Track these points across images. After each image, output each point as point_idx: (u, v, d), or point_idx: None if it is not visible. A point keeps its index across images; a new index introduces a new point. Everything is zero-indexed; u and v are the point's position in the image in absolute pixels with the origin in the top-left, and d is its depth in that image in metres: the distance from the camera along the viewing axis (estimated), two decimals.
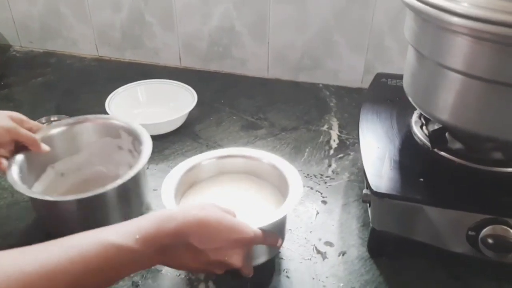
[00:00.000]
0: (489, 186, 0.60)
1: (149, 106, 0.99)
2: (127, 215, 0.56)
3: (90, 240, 0.44)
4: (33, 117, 0.89)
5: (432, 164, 0.64)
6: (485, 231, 0.55)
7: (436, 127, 0.68)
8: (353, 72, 1.09)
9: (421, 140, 0.68)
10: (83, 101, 1.05)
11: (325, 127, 0.96)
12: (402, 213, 0.59)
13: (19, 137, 0.65)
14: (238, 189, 0.68)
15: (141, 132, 0.73)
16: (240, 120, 0.98)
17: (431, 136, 0.65)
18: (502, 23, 0.47)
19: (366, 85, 0.88)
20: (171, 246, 0.47)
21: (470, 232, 0.56)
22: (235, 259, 0.50)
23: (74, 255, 0.42)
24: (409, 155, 0.65)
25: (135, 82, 1.00)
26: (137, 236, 0.45)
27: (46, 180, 0.71)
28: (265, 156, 0.69)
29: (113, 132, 0.75)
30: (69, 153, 0.75)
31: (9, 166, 0.64)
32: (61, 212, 0.64)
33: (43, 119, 0.90)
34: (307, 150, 0.88)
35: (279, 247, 0.61)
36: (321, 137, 0.92)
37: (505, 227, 0.55)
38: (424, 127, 0.69)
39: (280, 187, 0.66)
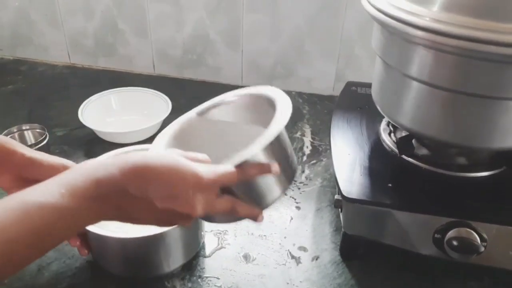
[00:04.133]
0: (454, 190, 0.63)
1: (123, 114, 0.99)
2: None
3: (7, 204, 0.39)
4: (4, 126, 0.89)
5: (400, 170, 0.67)
6: (450, 233, 0.58)
7: (403, 134, 0.71)
8: (325, 80, 1.11)
9: (389, 147, 0.70)
10: (56, 109, 1.04)
11: (298, 134, 0.97)
12: (372, 218, 0.61)
13: None
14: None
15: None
16: None
17: (399, 143, 0.68)
18: (461, 37, 0.50)
19: (337, 92, 0.91)
20: (105, 197, 0.41)
21: (436, 235, 0.59)
22: (187, 207, 0.43)
23: None
24: (378, 161, 0.68)
25: (109, 90, 1.00)
26: (63, 191, 0.40)
27: None
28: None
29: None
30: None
31: None
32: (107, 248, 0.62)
33: (15, 128, 0.89)
34: None
35: (289, 176, 0.52)
36: (295, 143, 0.94)
37: (469, 229, 0.57)
38: (392, 134, 0.72)
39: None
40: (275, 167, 0.47)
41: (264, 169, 0.47)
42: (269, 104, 0.54)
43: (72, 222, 0.41)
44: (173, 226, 0.57)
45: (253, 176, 0.47)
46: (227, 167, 0.45)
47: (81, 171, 0.42)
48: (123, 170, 0.42)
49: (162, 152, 0.45)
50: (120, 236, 0.59)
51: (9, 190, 0.55)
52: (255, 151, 0.46)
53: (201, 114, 0.60)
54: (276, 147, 0.49)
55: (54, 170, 0.54)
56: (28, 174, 0.55)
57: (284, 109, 0.50)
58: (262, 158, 0.47)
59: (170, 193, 0.43)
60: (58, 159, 0.56)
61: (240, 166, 0.45)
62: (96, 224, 0.60)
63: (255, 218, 0.49)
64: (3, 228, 0.37)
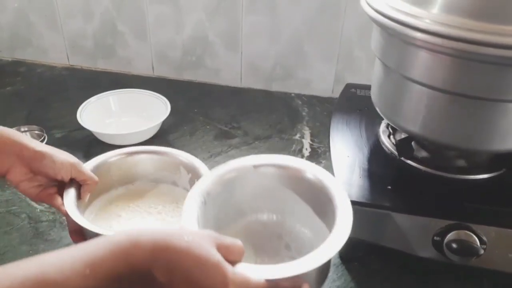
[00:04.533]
0: (453, 192, 0.63)
1: (122, 116, 0.99)
2: None
3: (30, 282, 0.35)
4: None
5: (399, 172, 0.67)
6: (449, 236, 0.57)
7: (402, 136, 0.71)
8: (324, 82, 1.11)
9: (388, 149, 0.70)
10: (54, 110, 1.04)
11: (297, 136, 0.97)
12: (371, 220, 0.61)
13: (79, 175, 0.59)
14: None
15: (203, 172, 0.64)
16: (214, 129, 0.99)
17: (398, 145, 0.68)
18: (460, 39, 0.50)
19: (336, 94, 0.91)
20: (129, 277, 0.38)
21: (435, 238, 0.59)
22: None
23: None
24: (378, 164, 0.68)
25: (108, 92, 1.00)
26: (87, 271, 0.37)
27: (98, 206, 0.65)
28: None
29: (172, 167, 0.68)
30: (123, 183, 0.69)
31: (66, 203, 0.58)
32: None
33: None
34: None
35: None
36: (294, 145, 0.94)
37: (468, 232, 0.57)
38: (391, 136, 0.72)
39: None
40: (306, 286, 0.43)
41: (295, 286, 0.43)
42: (329, 199, 0.52)
43: None
44: None
45: None
46: (258, 280, 0.41)
47: (113, 248, 0.38)
48: (156, 251, 0.39)
49: (197, 237, 0.40)
50: None
51: (18, 184, 0.57)
52: (294, 272, 0.42)
53: (257, 167, 0.58)
54: (317, 271, 0.45)
55: (64, 169, 0.57)
56: (38, 168, 0.57)
57: (343, 228, 0.47)
58: (297, 278, 0.43)
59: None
60: (68, 157, 0.59)
61: (272, 282, 0.41)
62: (99, 223, 0.60)
63: None
64: None
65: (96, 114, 0.95)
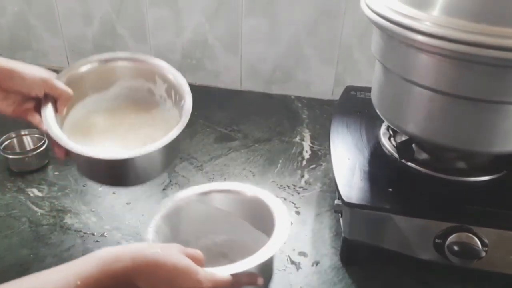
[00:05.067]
0: (454, 194, 0.63)
1: None
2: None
3: None
4: (3, 131, 0.89)
5: (400, 174, 0.67)
6: (451, 238, 0.57)
7: (403, 138, 0.70)
8: (324, 84, 1.11)
9: (389, 151, 0.70)
10: None
11: (297, 139, 0.97)
12: (372, 223, 0.61)
13: (52, 90, 0.59)
14: None
15: (180, 83, 0.64)
16: (214, 132, 0.99)
17: (399, 147, 0.68)
18: (461, 41, 0.50)
19: (336, 97, 0.91)
20: None
21: (437, 240, 0.59)
22: None
23: None
24: (378, 166, 0.68)
25: None
26: (78, 282, 0.42)
27: (74, 117, 0.64)
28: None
29: (148, 75, 0.67)
30: (98, 91, 0.67)
31: (44, 120, 0.58)
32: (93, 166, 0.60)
33: (13, 133, 0.89)
34: (280, 161, 0.90)
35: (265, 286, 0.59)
36: (294, 148, 0.94)
37: (469, 234, 0.57)
38: (392, 139, 0.72)
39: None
40: (261, 280, 0.55)
41: (252, 280, 0.54)
42: (270, 214, 0.61)
43: None
44: None
45: (243, 285, 0.53)
46: (224, 275, 0.50)
47: (97, 262, 0.44)
48: (135, 264, 0.45)
49: (167, 249, 0.48)
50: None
51: None
52: (252, 265, 0.53)
53: (202, 195, 0.66)
54: (266, 264, 0.56)
55: (36, 86, 0.57)
56: (9, 86, 0.56)
57: (281, 233, 0.57)
58: (254, 271, 0.54)
59: None
60: (39, 72, 0.58)
61: (235, 275, 0.51)
62: (77, 136, 0.61)
63: None
64: None
65: None
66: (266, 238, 0.57)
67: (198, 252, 0.50)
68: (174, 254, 0.47)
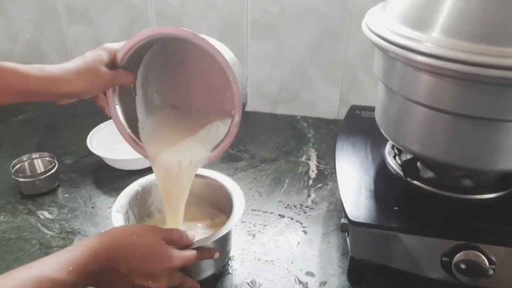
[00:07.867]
0: (461, 212, 0.63)
1: None
2: None
3: (26, 277, 0.46)
4: (15, 155, 0.90)
5: (405, 193, 0.67)
6: (458, 256, 0.57)
7: (408, 157, 0.71)
8: (329, 104, 1.12)
9: (394, 170, 0.70)
10: (65, 137, 1.06)
11: (303, 158, 0.98)
12: (379, 241, 0.61)
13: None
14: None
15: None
16: None
17: (404, 165, 0.68)
18: (461, 61, 0.51)
19: (342, 116, 0.92)
20: (99, 272, 0.51)
21: (444, 258, 0.58)
22: (159, 285, 0.55)
23: None
24: (384, 185, 0.68)
25: None
26: (70, 268, 0.49)
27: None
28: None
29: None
30: None
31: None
32: None
33: (25, 157, 0.90)
34: (286, 180, 0.90)
35: (222, 261, 0.69)
36: (300, 167, 0.95)
37: (476, 252, 0.57)
38: (397, 157, 0.72)
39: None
40: (217, 254, 0.63)
41: (211, 254, 0.63)
42: (229, 197, 0.72)
43: None
44: None
45: (203, 259, 0.62)
46: (192, 252, 0.59)
47: (86, 247, 0.52)
48: (115, 249, 0.53)
49: (142, 231, 0.57)
50: None
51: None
52: (211, 240, 0.63)
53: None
54: (223, 239, 0.65)
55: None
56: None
57: (237, 213, 0.67)
58: (210, 246, 0.64)
59: (148, 272, 0.54)
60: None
61: (198, 249, 0.60)
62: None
63: None
64: None
65: (106, 139, 0.96)
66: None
67: (172, 232, 0.59)
68: (150, 236, 0.56)
